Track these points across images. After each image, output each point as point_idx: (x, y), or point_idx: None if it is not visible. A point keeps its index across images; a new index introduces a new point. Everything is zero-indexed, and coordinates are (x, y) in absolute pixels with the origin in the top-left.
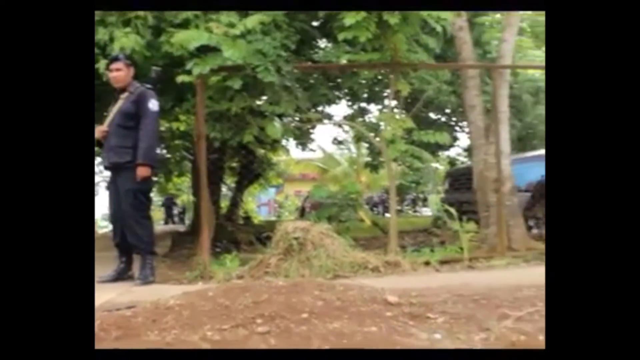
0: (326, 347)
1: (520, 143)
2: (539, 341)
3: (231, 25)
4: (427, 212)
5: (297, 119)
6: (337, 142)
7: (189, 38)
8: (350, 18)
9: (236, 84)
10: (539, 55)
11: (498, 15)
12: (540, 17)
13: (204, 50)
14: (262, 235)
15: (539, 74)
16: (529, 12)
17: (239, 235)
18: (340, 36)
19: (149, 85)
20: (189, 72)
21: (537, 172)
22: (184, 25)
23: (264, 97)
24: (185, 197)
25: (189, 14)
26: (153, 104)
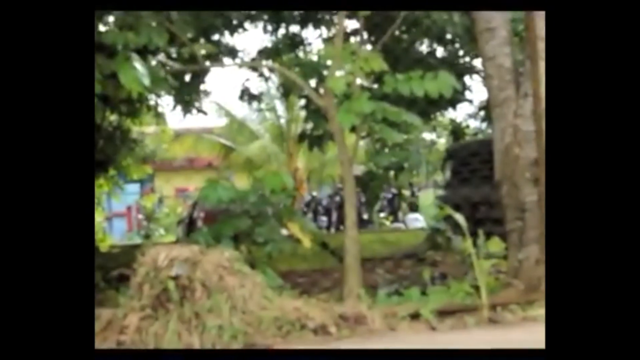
0: None
1: None
2: None
3: None
4: (416, 222)
5: (174, 57)
6: (250, 97)
7: None
8: None
9: None
10: None
11: None
12: None
13: None
14: (112, 273)
15: None
16: None
17: None
18: None
19: None
20: None
21: None
22: None
23: (110, 21)
24: None
25: None
26: None
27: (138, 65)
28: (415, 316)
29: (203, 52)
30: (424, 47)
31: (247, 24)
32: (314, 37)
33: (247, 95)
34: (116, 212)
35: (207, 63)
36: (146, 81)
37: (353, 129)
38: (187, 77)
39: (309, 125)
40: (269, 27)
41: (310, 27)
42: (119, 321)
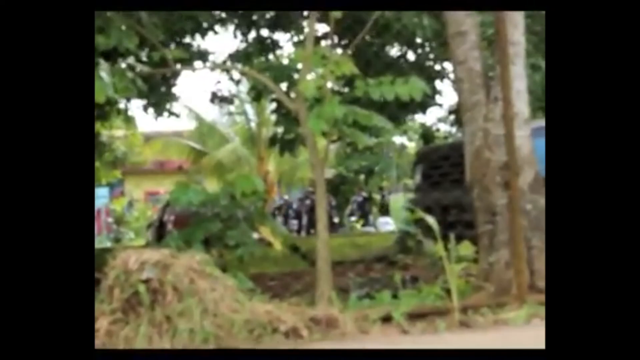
0: None
1: None
2: None
3: None
4: (387, 225)
5: (144, 60)
6: (220, 100)
7: None
8: None
9: None
10: None
11: None
12: None
13: None
14: None
15: None
16: None
17: None
18: None
19: None
20: None
21: None
22: None
23: None
24: None
25: None
26: None
27: (104, 74)
28: (386, 319)
29: (174, 54)
30: (394, 51)
31: (217, 27)
32: (284, 41)
33: (217, 99)
34: None
35: (178, 66)
36: (109, 91)
37: (324, 133)
38: (157, 80)
39: (280, 129)
40: (240, 31)
41: (281, 31)
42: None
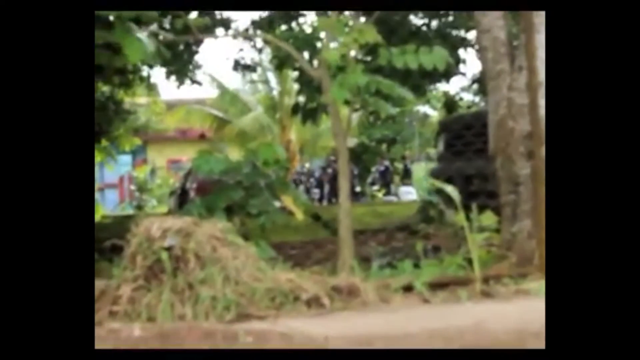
0: None
1: None
2: None
3: None
4: (409, 194)
5: (166, 28)
6: (243, 68)
7: None
8: None
9: None
10: None
11: None
12: None
13: None
14: (105, 243)
15: None
16: None
17: None
18: None
19: None
20: None
21: None
22: None
23: None
24: None
25: None
26: None
27: (143, 35)
28: (408, 289)
29: (197, 22)
30: (418, 20)
31: None
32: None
33: (240, 67)
34: (108, 183)
35: (201, 34)
36: (151, 48)
37: (346, 102)
38: (180, 48)
39: (302, 98)
40: None
41: None
42: (112, 292)
